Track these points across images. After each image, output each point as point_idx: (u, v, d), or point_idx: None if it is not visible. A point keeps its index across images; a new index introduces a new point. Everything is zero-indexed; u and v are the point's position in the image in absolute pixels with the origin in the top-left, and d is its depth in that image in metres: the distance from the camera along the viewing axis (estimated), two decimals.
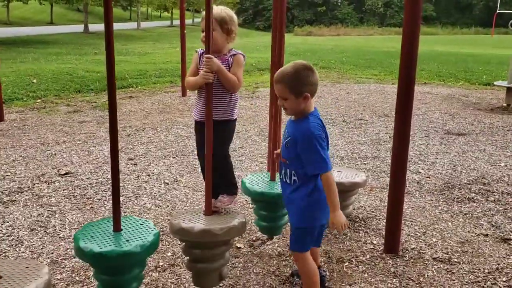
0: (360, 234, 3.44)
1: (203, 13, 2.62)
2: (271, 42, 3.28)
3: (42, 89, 9.13)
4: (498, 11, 44.89)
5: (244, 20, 65.61)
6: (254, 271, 2.94)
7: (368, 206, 3.96)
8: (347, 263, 3.04)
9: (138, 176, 4.61)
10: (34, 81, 9.92)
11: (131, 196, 4.10)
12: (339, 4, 69.50)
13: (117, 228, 2.27)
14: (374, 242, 3.32)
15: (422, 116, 7.68)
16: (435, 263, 3.06)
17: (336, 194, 2.29)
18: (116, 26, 39.60)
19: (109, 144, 2.21)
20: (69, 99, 8.56)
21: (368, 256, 3.13)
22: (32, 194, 4.12)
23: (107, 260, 2.08)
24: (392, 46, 25.31)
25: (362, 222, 3.65)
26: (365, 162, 5.21)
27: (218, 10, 2.77)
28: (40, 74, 10.55)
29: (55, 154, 5.27)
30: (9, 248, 3.17)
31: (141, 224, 2.34)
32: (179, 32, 9.71)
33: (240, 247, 3.22)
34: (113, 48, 2.15)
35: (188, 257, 2.57)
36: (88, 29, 30.73)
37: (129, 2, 41.92)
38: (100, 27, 35.91)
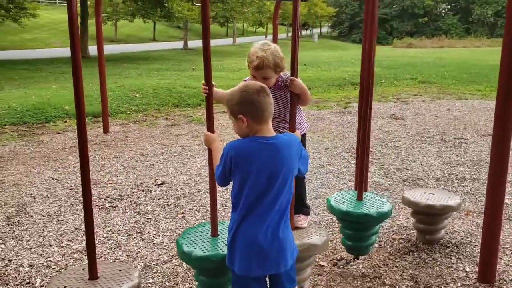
0: (452, 260, 3.26)
1: (257, 60, 2.65)
2: (361, 55, 3.27)
3: (144, 103, 9.79)
4: None
5: (340, 33, 65.05)
6: None
7: (463, 231, 3.74)
8: None
9: (227, 188, 4.76)
10: (137, 95, 10.67)
11: (219, 208, 4.25)
12: (443, 14, 66.39)
13: (214, 233, 2.45)
14: (467, 269, 3.13)
15: None
16: None
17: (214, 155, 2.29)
18: (213, 42, 41.36)
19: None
20: (168, 113, 9.09)
21: (459, 284, 2.96)
22: (131, 201, 4.44)
23: (210, 263, 2.26)
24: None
25: (455, 247, 3.45)
26: (462, 184, 4.93)
27: (270, 57, 2.66)
28: (143, 89, 11.32)
29: (153, 165, 5.63)
30: (108, 251, 3.45)
31: None
32: None
33: (323, 265, 3.21)
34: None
35: None
36: (187, 46, 32.40)
37: (225, 19, 43.67)
38: (198, 43, 37.74)
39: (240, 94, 2.10)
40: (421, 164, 5.70)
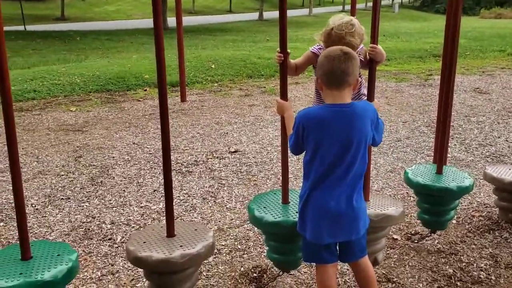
0: None
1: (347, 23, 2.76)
2: (445, 26, 3.08)
3: (219, 73, 9.94)
4: None
5: (422, 3, 61.52)
6: (410, 264, 2.84)
7: None
8: None
9: (299, 158, 4.76)
10: (213, 66, 10.84)
11: (290, 177, 4.27)
12: None
13: (285, 200, 2.47)
14: None
15: None
16: None
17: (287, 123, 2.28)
18: (289, 13, 40.68)
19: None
20: (242, 84, 9.17)
21: None
22: (206, 167, 4.57)
23: (281, 228, 2.31)
24: None
25: None
26: None
27: (358, 38, 2.78)
28: (218, 60, 11.47)
29: (227, 133, 5.74)
30: (184, 213, 3.60)
31: None
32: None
33: (396, 239, 3.14)
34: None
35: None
36: (262, 17, 32.24)
37: None
38: (273, 14, 37.43)
39: (320, 57, 2.10)
40: (507, 140, 5.34)
